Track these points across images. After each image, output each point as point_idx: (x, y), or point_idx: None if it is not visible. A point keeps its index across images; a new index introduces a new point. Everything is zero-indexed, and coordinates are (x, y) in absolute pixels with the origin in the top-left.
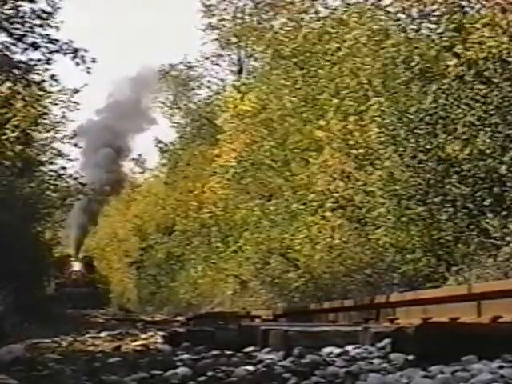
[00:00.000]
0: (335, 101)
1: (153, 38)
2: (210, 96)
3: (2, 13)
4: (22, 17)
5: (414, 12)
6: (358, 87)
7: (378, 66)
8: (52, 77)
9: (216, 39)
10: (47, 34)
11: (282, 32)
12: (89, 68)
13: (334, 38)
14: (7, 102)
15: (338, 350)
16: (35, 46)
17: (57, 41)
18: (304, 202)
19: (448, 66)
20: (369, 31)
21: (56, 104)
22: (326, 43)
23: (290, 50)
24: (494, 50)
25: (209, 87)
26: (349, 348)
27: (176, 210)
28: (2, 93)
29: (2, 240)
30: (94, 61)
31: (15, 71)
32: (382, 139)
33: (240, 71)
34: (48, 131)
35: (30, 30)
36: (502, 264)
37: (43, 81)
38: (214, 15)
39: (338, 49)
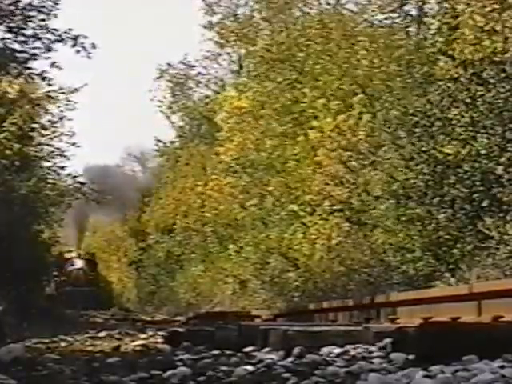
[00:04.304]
0: (321, 100)
1: (152, 37)
2: (208, 95)
3: (2, 7)
4: (21, 9)
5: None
6: (344, 84)
7: (376, 65)
8: (53, 64)
9: (216, 38)
10: (46, 24)
11: (276, 30)
12: (90, 53)
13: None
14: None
15: (338, 350)
16: (36, 38)
17: (56, 30)
18: (301, 203)
19: (442, 59)
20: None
21: (54, 103)
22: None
23: (279, 49)
24: (488, 50)
25: (207, 86)
26: (349, 348)
27: (176, 210)
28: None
29: (1, 239)
30: (94, 46)
31: (14, 65)
32: (384, 141)
33: (240, 70)
34: (46, 129)
35: (29, 20)
36: (501, 263)
37: (43, 72)
38: (215, 13)
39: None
